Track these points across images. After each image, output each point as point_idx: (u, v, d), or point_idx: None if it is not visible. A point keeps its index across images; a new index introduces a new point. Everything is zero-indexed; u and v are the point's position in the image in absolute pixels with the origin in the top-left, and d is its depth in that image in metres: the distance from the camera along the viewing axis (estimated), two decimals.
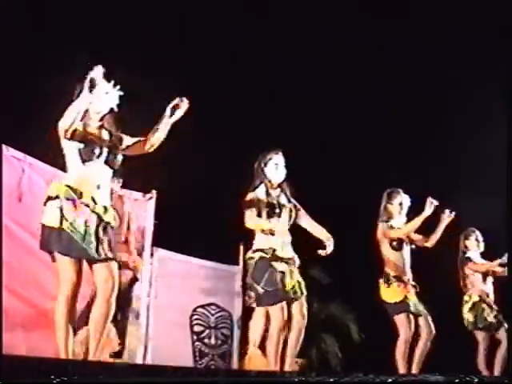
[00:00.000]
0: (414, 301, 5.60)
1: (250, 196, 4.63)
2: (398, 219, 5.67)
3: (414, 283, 5.70)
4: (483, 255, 6.21)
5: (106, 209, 3.64)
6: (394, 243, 5.66)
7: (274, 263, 4.57)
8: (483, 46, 7.10)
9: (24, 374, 2.07)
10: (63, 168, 3.75)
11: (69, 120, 3.52)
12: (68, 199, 3.51)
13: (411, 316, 5.55)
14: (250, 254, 4.68)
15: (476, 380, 3.43)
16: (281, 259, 4.59)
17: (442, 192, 6.42)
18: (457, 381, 3.38)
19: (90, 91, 3.54)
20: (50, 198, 3.54)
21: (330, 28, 7.15)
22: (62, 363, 2.80)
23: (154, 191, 6.15)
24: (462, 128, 7.30)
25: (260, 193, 4.66)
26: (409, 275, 5.73)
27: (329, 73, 6.87)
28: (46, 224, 3.48)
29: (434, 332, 5.63)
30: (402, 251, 5.72)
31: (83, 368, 2.72)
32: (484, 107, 7.26)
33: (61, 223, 3.46)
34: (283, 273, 4.57)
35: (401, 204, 5.74)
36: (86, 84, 3.57)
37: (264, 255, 4.58)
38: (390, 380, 3.33)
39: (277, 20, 7.08)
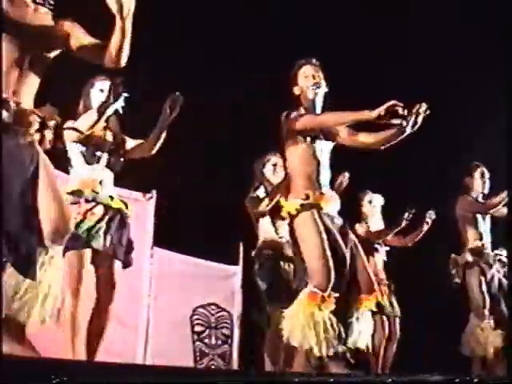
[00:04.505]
0: (387, 302, 5.63)
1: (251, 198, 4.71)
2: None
3: (387, 283, 5.73)
4: None
5: (112, 197, 3.66)
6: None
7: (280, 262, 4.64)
8: (483, 46, 7.09)
9: (24, 375, 2.07)
10: (65, 170, 3.76)
11: (89, 121, 3.54)
12: (72, 204, 3.52)
13: (384, 317, 5.59)
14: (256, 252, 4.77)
15: (476, 380, 3.43)
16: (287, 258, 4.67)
17: (442, 192, 6.42)
18: (457, 381, 3.38)
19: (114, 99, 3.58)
20: None
21: (330, 28, 7.14)
22: (62, 363, 2.79)
23: (153, 191, 6.15)
24: (461, 128, 7.29)
25: (260, 194, 4.71)
26: (382, 276, 5.76)
27: (328, 73, 6.85)
28: None
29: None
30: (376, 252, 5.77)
31: (83, 368, 2.72)
32: (484, 107, 7.25)
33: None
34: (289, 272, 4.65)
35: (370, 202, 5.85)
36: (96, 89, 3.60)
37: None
38: (389, 380, 3.33)
39: (277, 20, 7.07)
